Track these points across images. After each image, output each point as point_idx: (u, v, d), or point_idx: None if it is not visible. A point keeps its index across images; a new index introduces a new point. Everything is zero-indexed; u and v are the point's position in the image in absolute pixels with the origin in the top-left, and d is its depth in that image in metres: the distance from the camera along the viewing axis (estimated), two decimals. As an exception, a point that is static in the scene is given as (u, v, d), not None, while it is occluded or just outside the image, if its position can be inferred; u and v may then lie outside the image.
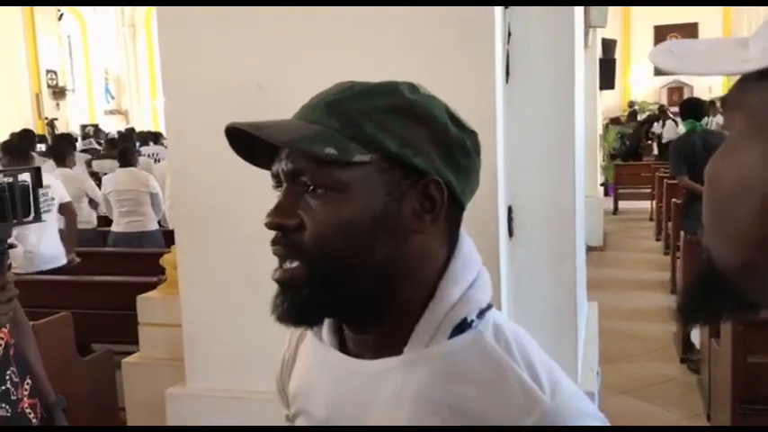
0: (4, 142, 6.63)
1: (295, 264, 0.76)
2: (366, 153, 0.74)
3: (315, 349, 0.87)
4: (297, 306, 0.76)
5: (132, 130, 13.77)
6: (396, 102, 0.76)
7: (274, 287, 0.81)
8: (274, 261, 0.90)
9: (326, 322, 0.85)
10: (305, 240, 0.75)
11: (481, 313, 0.77)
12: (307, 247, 0.75)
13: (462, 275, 0.78)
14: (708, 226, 0.59)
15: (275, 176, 0.79)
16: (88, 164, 8.06)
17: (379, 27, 2.04)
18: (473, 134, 0.80)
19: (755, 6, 16.00)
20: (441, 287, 0.77)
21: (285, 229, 0.76)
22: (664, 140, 13.75)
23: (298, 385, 0.89)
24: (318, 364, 0.86)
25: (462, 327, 0.76)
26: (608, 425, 0.76)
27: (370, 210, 0.74)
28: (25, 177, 1.58)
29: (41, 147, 9.79)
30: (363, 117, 0.75)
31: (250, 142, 0.78)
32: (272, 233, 0.80)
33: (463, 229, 0.82)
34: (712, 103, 11.65)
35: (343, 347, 0.83)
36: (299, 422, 0.89)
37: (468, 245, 0.81)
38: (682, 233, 4.92)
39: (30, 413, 1.77)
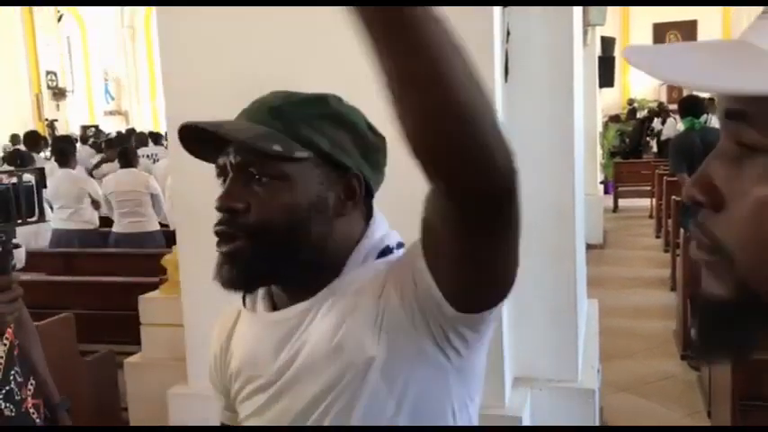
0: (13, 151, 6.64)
1: (240, 242, 0.92)
2: (305, 151, 0.91)
3: (251, 322, 1.01)
4: (242, 274, 0.92)
5: (132, 130, 13.75)
6: (326, 111, 0.94)
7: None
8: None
9: (259, 293, 1.01)
10: (250, 221, 0.91)
11: (399, 246, 0.98)
12: (251, 226, 0.91)
13: (378, 229, 0.98)
14: (751, 254, 0.53)
15: (221, 167, 0.95)
16: (89, 173, 8.04)
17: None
18: (384, 139, 0.98)
19: (754, 6, 15.97)
20: (366, 233, 0.97)
21: (233, 211, 0.92)
22: (663, 138, 13.75)
23: (240, 360, 1.02)
24: (258, 333, 0.99)
25: (386, 252, 0.96)
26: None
27: (306, 196, 0.92)
28: (29, 178, 1.59)
29: (46, 153, 9.70)
30: (301, 121, 0.92)
31: (199, 139, 0.93)
32: None
33: (376, 207, 1.01)
34: (711, 100, 11.64)
35: (273, 308, 0.99)
36: (246, 393, 1.01)
37: (379, 216, 1.00)
38: (681, 230, 4.92)
39: (33, 413, 1.78)
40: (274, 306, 0.99)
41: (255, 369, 0.99)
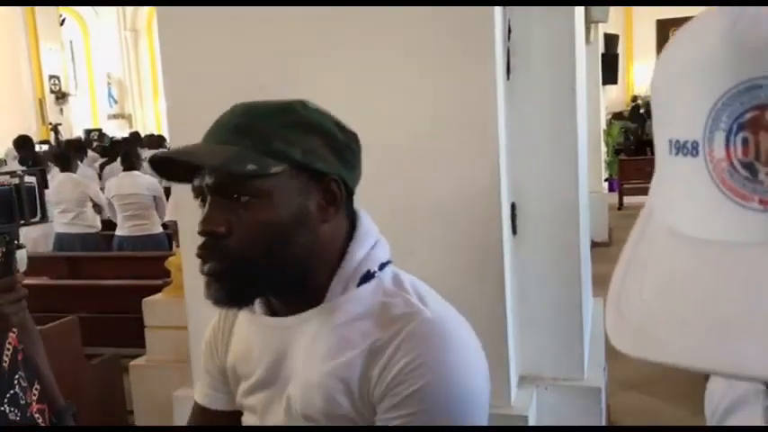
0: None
1: (219, 264, 0.91)
2: (279, 164, 0.90)
3: (248, 320, 1.04)
4: (231, 292, 0.92)
5: (136, 134, 13.78)
6: (293, 119, 0.93)
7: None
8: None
9: None
10: (233, 243, 0.90)
11: (382, 266, 0.98)
12: (230, 250, 0.91)
13: (364, 241, 0.98)
14: None
15: (197, 189, 0.94)
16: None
17: (380, 26, 2.04)
18: (355, 136, 0.98)
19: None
20: (348, 252, 0.96)
21: (216, 235, 0.90)
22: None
23: (236, 355, 1.05)
24: (252, 332, 1.03)
25: (367, 277, 0.96)
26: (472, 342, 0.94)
27: (287, 210, 0.91)
28: (31, 179, 1.59)
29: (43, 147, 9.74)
30: (271, 134, 0.91)
31: (173, 164, 0.94)
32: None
33: (359, 207, 1.01)
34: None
35: (271, 311, 1.00)
36: (242, 390, 1.04)
37: (366, 220, 1.01)
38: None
39: (38, 418, 1.78)
40: (272, 309, 1.00)
41: (248, 367, 1.03)
